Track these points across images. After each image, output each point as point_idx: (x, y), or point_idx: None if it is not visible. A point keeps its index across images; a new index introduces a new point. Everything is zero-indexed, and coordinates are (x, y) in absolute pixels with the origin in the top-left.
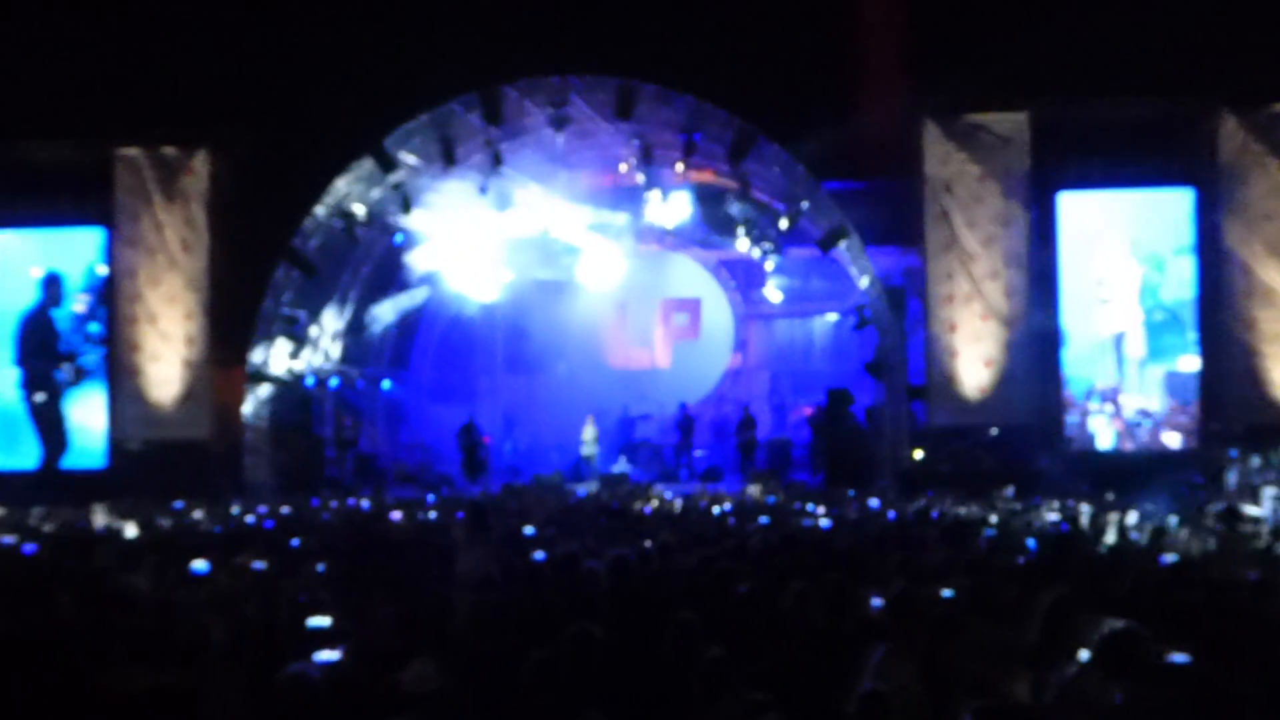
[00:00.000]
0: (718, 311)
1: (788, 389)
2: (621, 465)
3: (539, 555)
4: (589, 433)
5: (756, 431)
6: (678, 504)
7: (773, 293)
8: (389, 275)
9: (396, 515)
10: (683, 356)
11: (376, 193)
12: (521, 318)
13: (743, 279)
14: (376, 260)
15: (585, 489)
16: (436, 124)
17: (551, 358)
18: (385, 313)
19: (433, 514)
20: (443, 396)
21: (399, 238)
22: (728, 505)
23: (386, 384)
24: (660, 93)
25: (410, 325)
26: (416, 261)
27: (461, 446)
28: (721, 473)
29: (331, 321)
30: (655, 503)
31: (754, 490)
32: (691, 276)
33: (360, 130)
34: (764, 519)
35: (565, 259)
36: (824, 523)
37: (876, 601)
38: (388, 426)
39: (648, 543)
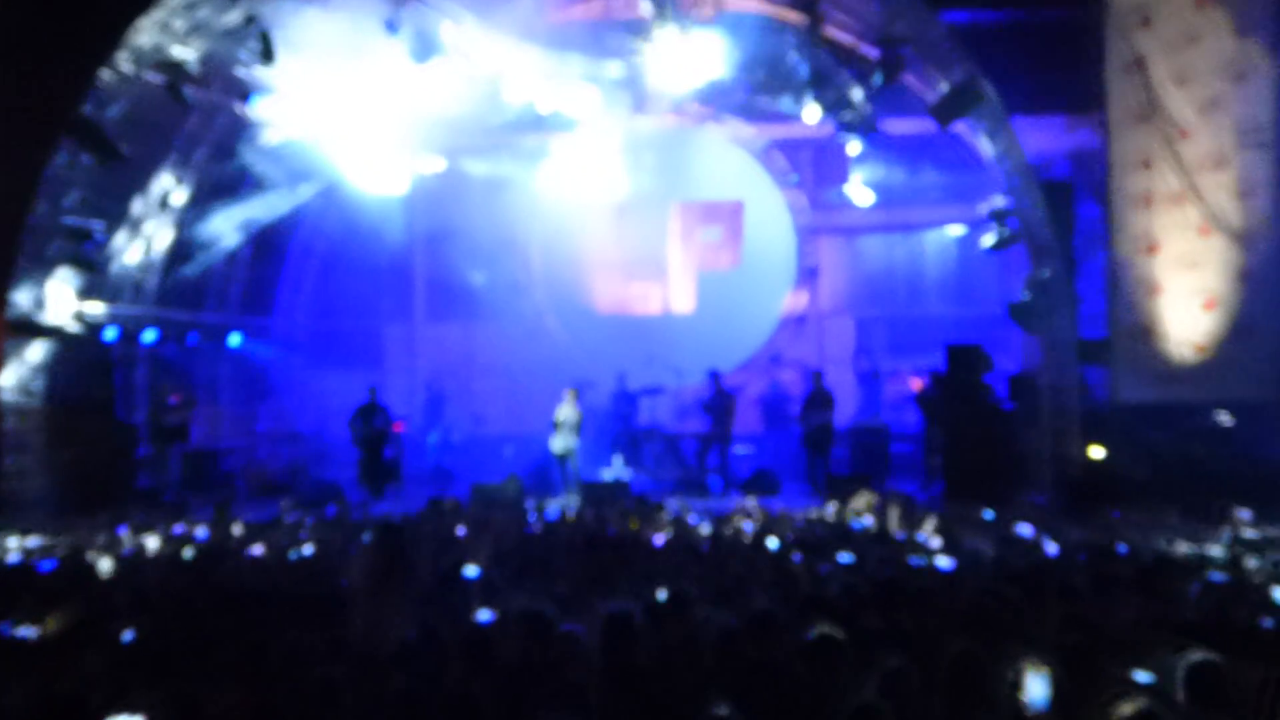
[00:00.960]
0: (770, 223)
1: (883, 347)
2: (617, 468)
3: (485, 614)
4: (566, 416)
5: (833, 415)
6: (707, 530)
7: (859, 192)
8: (238, 165)
9: (255, 550)
10: (715, 295)
11: (216, 32)
12: (454, 233)
13: (811, 170)
14: (218, 139)
15: (559, 506)
16: None
17: (504, 298)
18: (232, 224)
19: (310, 547)
20: (328, 359)
21: (254, 102)
22: (787, 533)
23: (236, 339)
24: None
25: (274, 245)
26: (283, 141)
27: (359, 439)
28: (777, 481)
29: (145, 238)
30: (671, 529)
31: (830, 509)
32: (728, 167)
33: None
34: (845, 556)
35: (524, 139)
36: (943, 561)
37: (1032, 689)
38: (239, 406)
39: (660, 593)
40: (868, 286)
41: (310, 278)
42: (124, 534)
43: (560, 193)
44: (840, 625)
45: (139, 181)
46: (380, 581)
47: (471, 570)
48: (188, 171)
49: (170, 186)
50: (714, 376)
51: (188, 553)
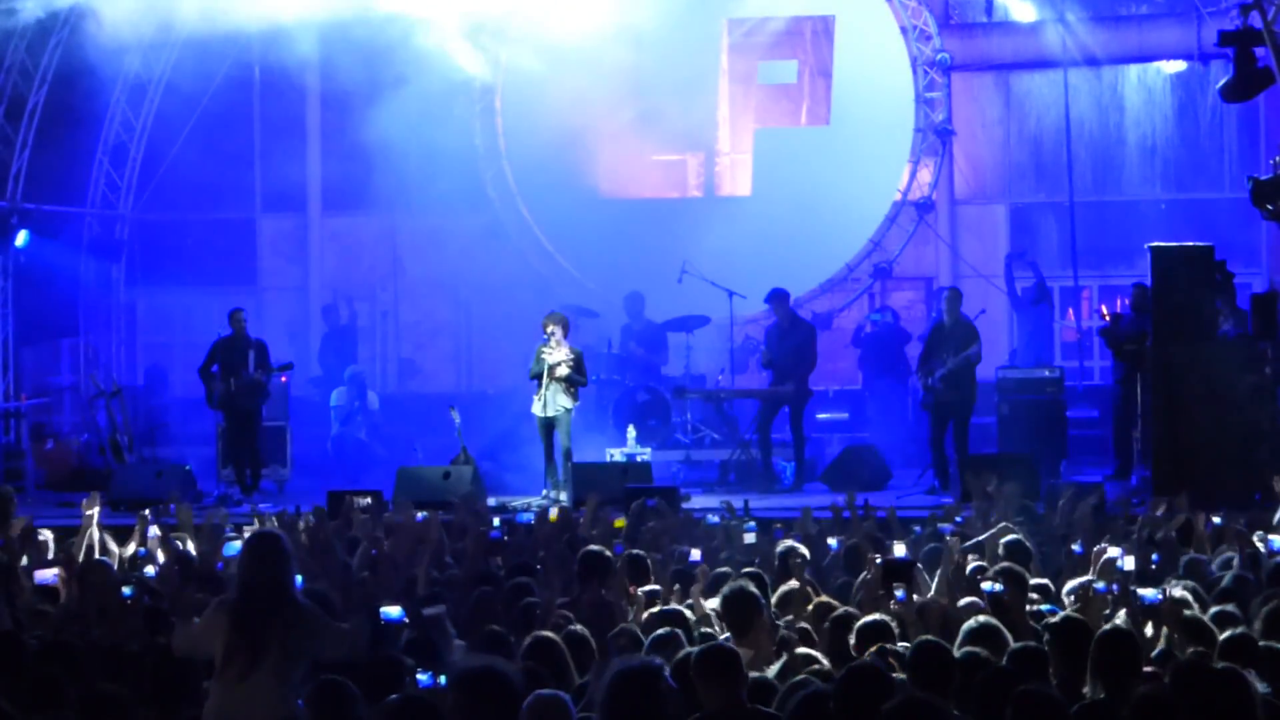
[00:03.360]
0: (876, 54)
1: (1054, 251)
2: (631, 445)
3: (424, 678)
4: (552, 362)
5: (974, 360)
6: (780, 543)
7: (1018, 5)
8: None
9: (48, 575)
10: (785, 170)
11: None
12: (373, 73)
13: None
14: None
15: (538, 504)
16: None
17: (448, 176)
18: None
19: (151, 570)
20: (169, 270)
21: None
22: (899, 550)
23: (22, 239)
24: None
25: (83, 91)
26: None
27: (218, 397)
28: (883, 464)
29: None
30: (719, 540)
31: (968, 510)
32: None
33: None
34: (994, 585)
35: None
36: (1145, 592)
37: None
38: (28, 346)
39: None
40: (1031, 156)
41: (140, 144)
42: None
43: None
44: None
45: None
46: (245, 633)
47: (394, 610)
48: None
49: None
50: (776, 301)
51: None
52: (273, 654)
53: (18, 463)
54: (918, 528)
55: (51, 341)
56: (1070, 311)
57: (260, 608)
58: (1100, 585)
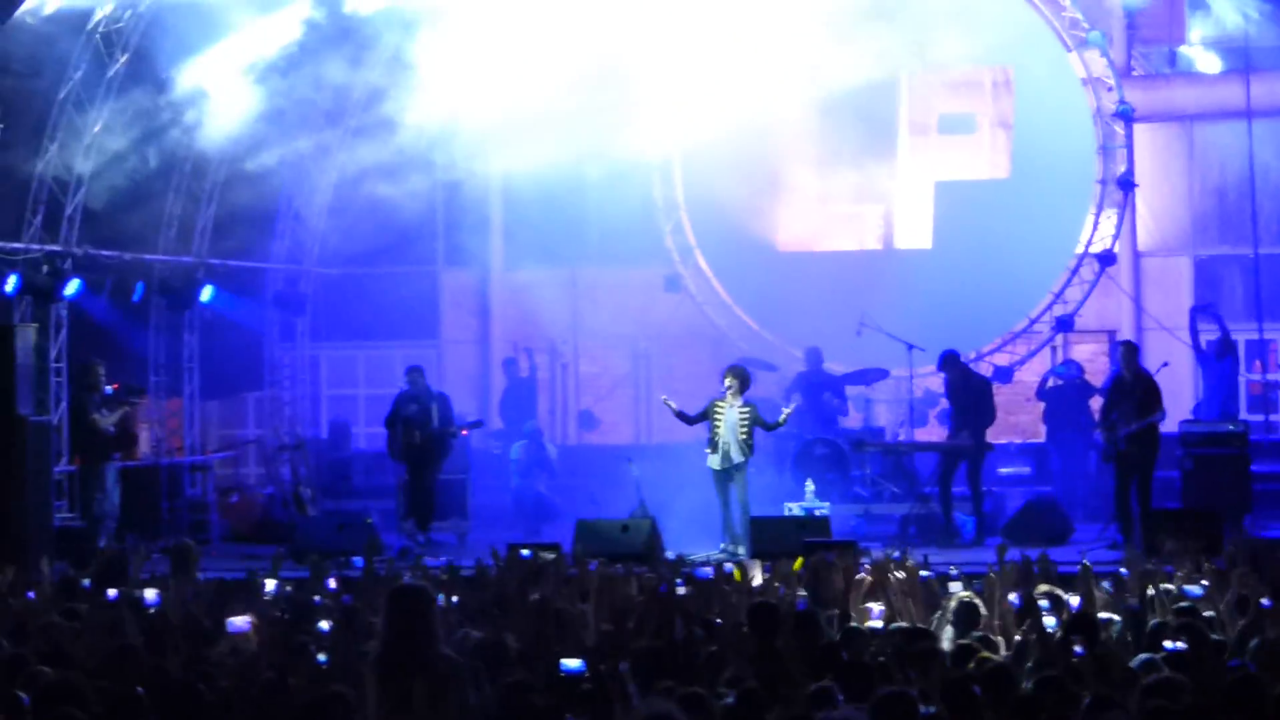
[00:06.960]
0: (1056, 106)
1: (1240, 304)
2: (809, 499)
3: None
4: (728, 417)
5: (1158, 416)
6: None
7: (1202, 56)
8: None
9: (240, 622)
10: (966, 222)
11: None
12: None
13: (1124, 21)
14: None
15: (716, 559)
16: None
17: (627, 231)
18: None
19: (326, 624)
20: (354, 324)
21: None
22: (1075, 603)
23: (208, 294)
24: None
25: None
26: None
27: (400, 449)
28: (1064, 518)
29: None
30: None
31: (1149, 566)
32: (988, 16)
33: None
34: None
35: None
36: None
37: None
38: (214, 400)
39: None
40: (1215, 208)
41: (323, 199)
42: (35, 599)
43: (715, 65)
44: None
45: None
46: (389, 688)
47: (573, 662)
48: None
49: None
50: (948, 365)
51: (131, 628)
52: (420, 710)
53: (203, 515)
54: (1106, 583)
55: (237, 395)
56: (1257, 364)
57: (402, 662)
58: None
